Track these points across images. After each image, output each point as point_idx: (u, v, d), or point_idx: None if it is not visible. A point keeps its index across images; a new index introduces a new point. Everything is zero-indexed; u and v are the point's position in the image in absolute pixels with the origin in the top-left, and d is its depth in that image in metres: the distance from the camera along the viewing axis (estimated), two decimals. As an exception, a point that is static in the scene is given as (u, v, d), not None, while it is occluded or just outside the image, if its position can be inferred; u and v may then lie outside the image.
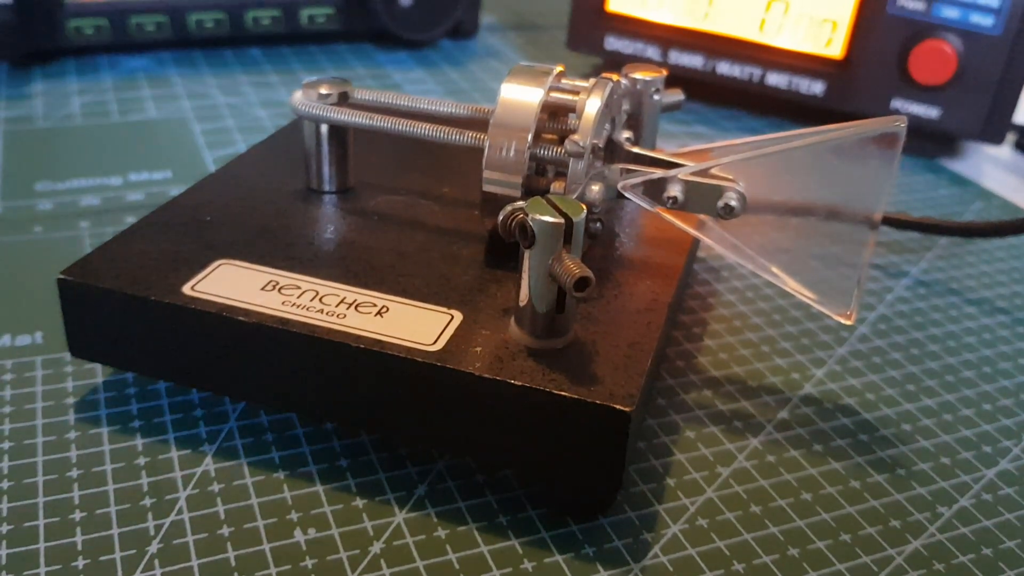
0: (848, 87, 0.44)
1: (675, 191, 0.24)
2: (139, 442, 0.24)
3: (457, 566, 0.21)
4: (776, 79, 0.46)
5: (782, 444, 0.25)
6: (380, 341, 0.21)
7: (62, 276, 0.23)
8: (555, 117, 0.25)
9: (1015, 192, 0.43)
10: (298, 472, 0.23)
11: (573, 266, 0.20)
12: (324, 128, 0.27)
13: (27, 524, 0.21)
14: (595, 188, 0.24)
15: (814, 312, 0.31)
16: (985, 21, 0.41)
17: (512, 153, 0.24)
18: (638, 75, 0.29)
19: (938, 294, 0.33)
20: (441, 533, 0.22)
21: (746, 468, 0.24)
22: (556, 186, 0.24)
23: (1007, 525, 0.23)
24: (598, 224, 0.25)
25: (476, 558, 0.21)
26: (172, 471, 0.23)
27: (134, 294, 0.23)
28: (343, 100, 0.27)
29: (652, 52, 0.48)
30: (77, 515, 0.22)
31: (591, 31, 0.49)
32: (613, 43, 0.48)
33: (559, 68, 0.25)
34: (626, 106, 0.28)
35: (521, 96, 0.24)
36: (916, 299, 0.33)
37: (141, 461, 0.23)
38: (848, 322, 0.25)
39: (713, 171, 0.24)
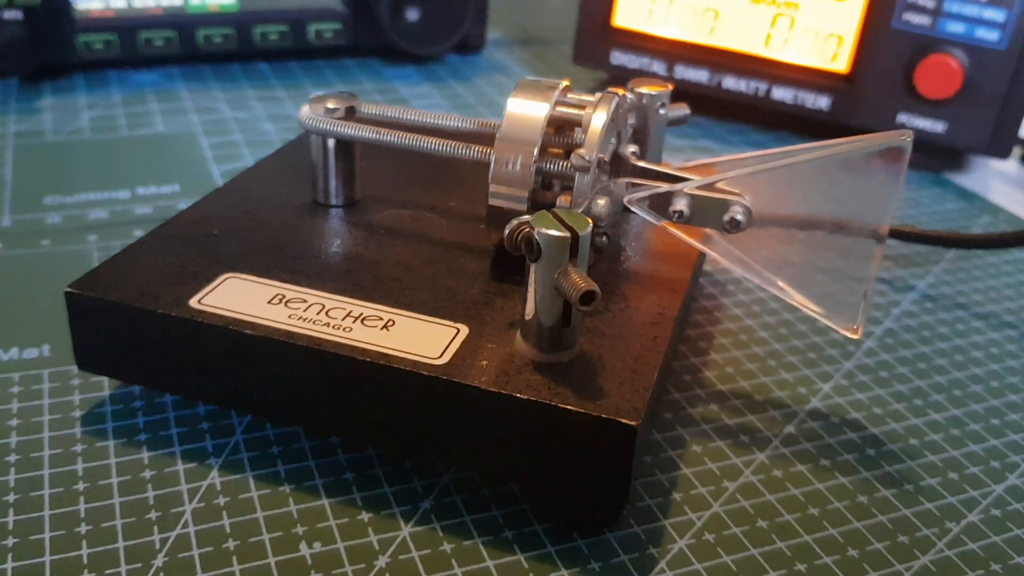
0: (854, 101, 0.44)
1: (681, 205, 0.24)
2: (145, 455, 0.24)
3: (463, 580, 0.21)
4: (782, 93, 0.46)
5: (789, 459, 0.25)
6: (386, 355, 0.21)
7: (70, 289, 0.23)
8: (561, 131, 0.25)
9: (1022, 206, 0.43)
10: (304, 486, 0.23)
11: (579, 280, 0.20)
12: (331, 142, 0.28)
13: (33, 537, 0.21)
14: (601, 202, 0.24)
15: (821, 326, 0.31)
16: (991, 36, 0.41)
17: (518, 167, 0.24)
18: (644, 89, 0.29)
19: (945, 308, 0.33)
20: (447, 547, 0.22)
21: (753, 483, 0.24)
22: (562, 200, 0.24)
23: (1016, 540, 0.23)
24: (604, 238, 0.25)
25: (482, 572, 0.21)
26: (178, 484, 0.23)
27: (141, 307, 0.23)
28: (350, 114, 0.28)
29: (658, 67, 0.48)
30: (83, 528, 0.22)
31: (597, 46, 0.49)
32: (619, 58, 0.49)
33: (565, 83, 0.26)
34: (632, 120, 0.29)
35: (527, 110, 0.24)
36: (923, 313, 0.33)
37: (147, 474, 0.23)
38: (855, 336, 0.24)
39: (719, 185, 0.24)
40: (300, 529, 0.22)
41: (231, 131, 0.43)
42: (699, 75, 0.47)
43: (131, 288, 0.23)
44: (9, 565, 0.20)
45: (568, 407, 0.20)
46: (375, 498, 0.23)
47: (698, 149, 0.46)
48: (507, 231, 0.21)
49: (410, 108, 0.28)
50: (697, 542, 0.22)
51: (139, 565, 0.21)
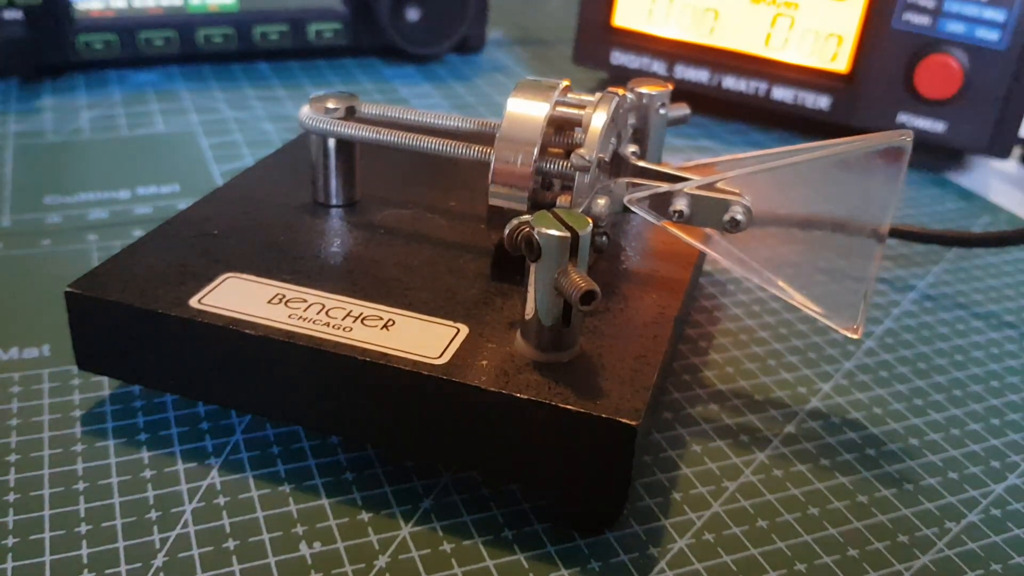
0: (854, 101, 0.44)
1: (681, 205, 0.24)
2: (145, 455, 0.24)
3: (463, 580, 0.21)
4: (782, 93, 0.46)
5: (789, 458, 0.25)
6: (386, 354, 0.21)
7: (70, 289, 0.23)
8: (561, 131, 0.25)
9: (1022, 206, 0.43)
10: (303, 485, 0.23)
11: (579, 280, 0.20)
12: (331, 142, 0.28)
13: (33, 537, 0.21)
14: (601, 202, 0.24)
15: (821, 326, 0.31)
16: (991, 36, 0.41)
17: (518, 167, 0.24)
18: (644, 89, 0.29)
19: (945, 308, 0.33)
20: (447, 547, 0.22)
21: (753, 482, 0.24)
22: (562, 200, 0.24)
23: (1016, 540, 0.23)
24: (604, 238, 0.25)
25: (482, 572, 0.21)
26: (178, 484, 0.23)
27: (141, 307, 0.23)
28: (350, 114, 0.28)
29: (658, 67, 0.48)
30: (83, 528, 0.22)
31: (597, 46, 0.49)
32: (619, 58, 0.49)
33: (565, 82, 0.26)
34: (632, 120, 0.29)
35: (527, 110, 0.24)
36: (923, 313, 0.33)
37: (147, 474, 0.23)
38: (855, 336, 0.24)
39: (719, 185, 0.24)
40: (300, 529, 0.22)
41: (231, 131, 0.43)
42: (699, 75, 0.47)
43: (131, 288, 0.23)
44: (9, 565, 0.20)
45: (568, 407, 0.20)
46: (375, 498, 0.23)
47: (698, 149, 0.46)
48: (507, 231, 0.21)
49: (410, 108, 0.28)
50: (697, 542, 0.22)
51: (139, 565, 0.21)
